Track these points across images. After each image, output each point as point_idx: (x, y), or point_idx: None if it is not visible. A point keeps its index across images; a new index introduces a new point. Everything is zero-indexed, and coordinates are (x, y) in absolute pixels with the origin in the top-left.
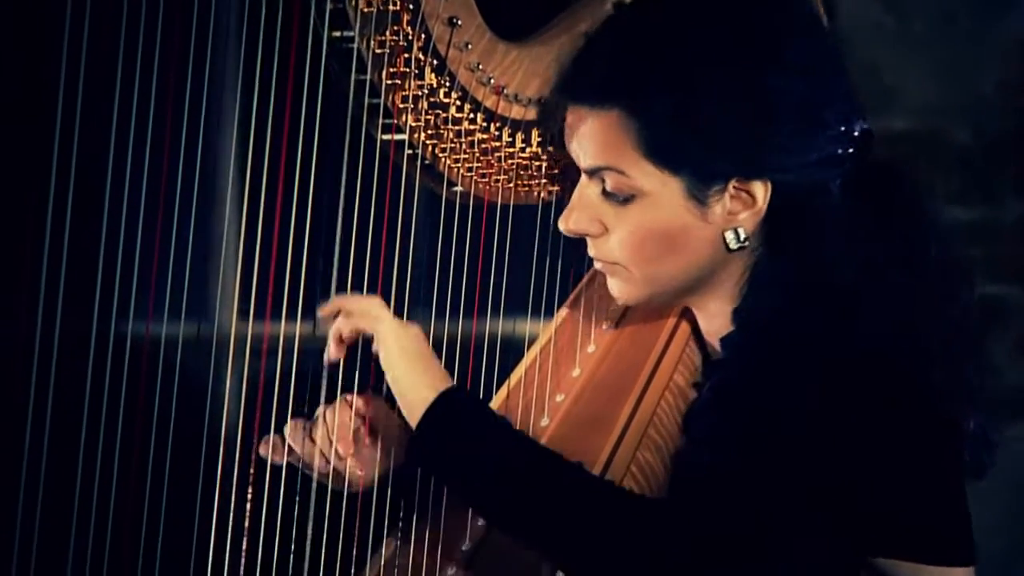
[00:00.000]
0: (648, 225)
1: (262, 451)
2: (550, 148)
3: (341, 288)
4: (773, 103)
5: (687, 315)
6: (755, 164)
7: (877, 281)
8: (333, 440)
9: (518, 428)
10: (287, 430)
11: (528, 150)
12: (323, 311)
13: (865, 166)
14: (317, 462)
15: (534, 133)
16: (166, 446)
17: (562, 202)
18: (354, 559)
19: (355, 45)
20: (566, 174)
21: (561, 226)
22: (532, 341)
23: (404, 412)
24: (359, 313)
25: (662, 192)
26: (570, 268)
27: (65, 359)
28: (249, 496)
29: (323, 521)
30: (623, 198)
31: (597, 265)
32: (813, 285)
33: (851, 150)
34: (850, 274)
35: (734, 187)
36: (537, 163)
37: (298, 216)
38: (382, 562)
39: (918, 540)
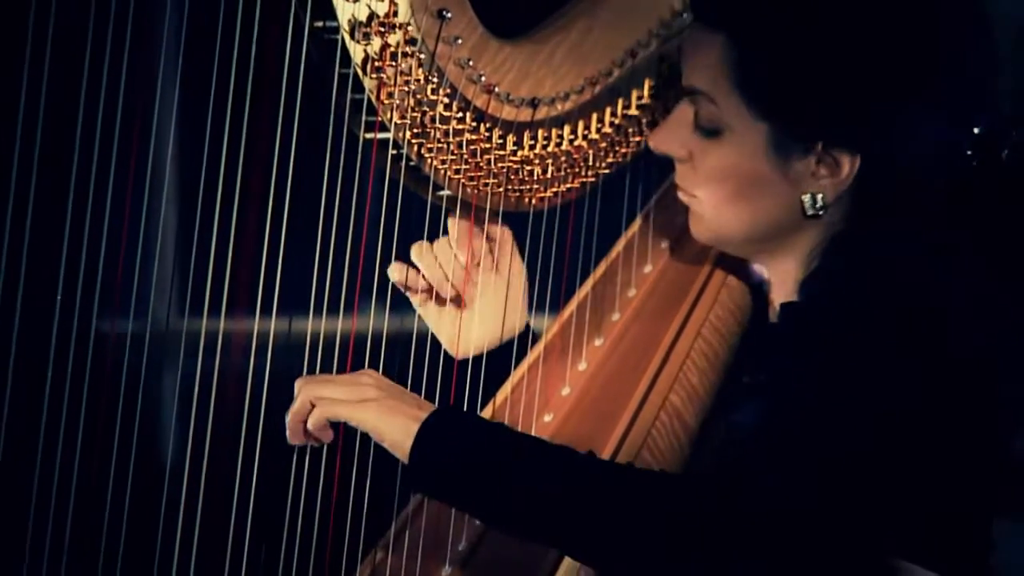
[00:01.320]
0: (727, 165)
1: (393, 275)
2: (587, 139)
3: (319, 293)
4: (887, 78)
5: (692, 319)
6: (847, 134)
7: (965, 289)
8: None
9: (520, 424)
10: (414, 253)
11: (520, 153)
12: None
13: (989, 169)
14: (443, 287)
15: (526, 135)
16: (109, 447)
17: (554, 210)
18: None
19: (339, 36)
20: (562, 178)
21: (650, 143)
22: (521, 353)
23: (400, 457)
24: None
25: (746, 134)
26: (562, 279)
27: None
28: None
29: (290, 533)
30: (710, 130)
31: (679, 194)
32: (890, 276)
33: (968, 150)
34: (933, 275)
35: (820, 151)
36: (529, 167)
37: (274, 217)
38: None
39: (933, 547)
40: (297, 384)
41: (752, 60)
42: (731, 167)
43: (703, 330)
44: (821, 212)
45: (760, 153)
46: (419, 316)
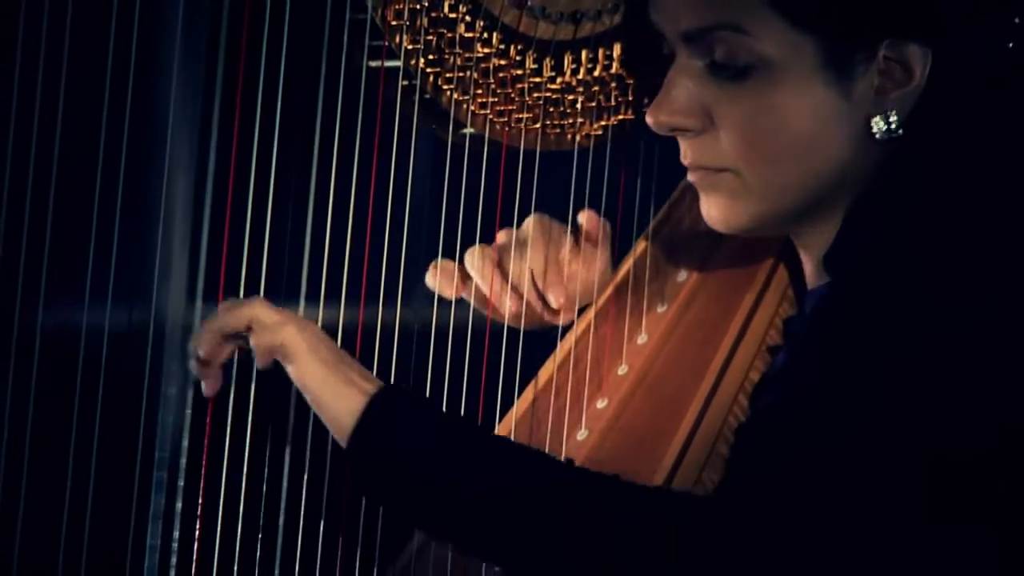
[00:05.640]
0: (771, 109)
1: (428, 280)
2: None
3: (315, 264)
4: None
5: (773, 282)
6: (916, 21)
7: None
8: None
9: (548, 438)
10: (468, 258)
11: (560, 80)
12: (202, 340)
13: None
14: (508, 301)
15: (566, 58)
16: (100, 453)
17: (603, 148)
18: None
19: None
20: (613, 109)
21: (650, 120)
22: (565, 329)
23: (334, 432)
24: (257, 327)
25: (791, 61)
26: (615, 231)
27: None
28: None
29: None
30: (738, 71)
31: (692, 178)
32: (966, 215)
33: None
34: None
35: (885, 56)
36: (571, 97)
37: (259, 170)
38: None
39: None
40: (229, 301)
41: None
42: (777, 110)
43: (789, 291)
44: (899, 132)
45: (814, 80)
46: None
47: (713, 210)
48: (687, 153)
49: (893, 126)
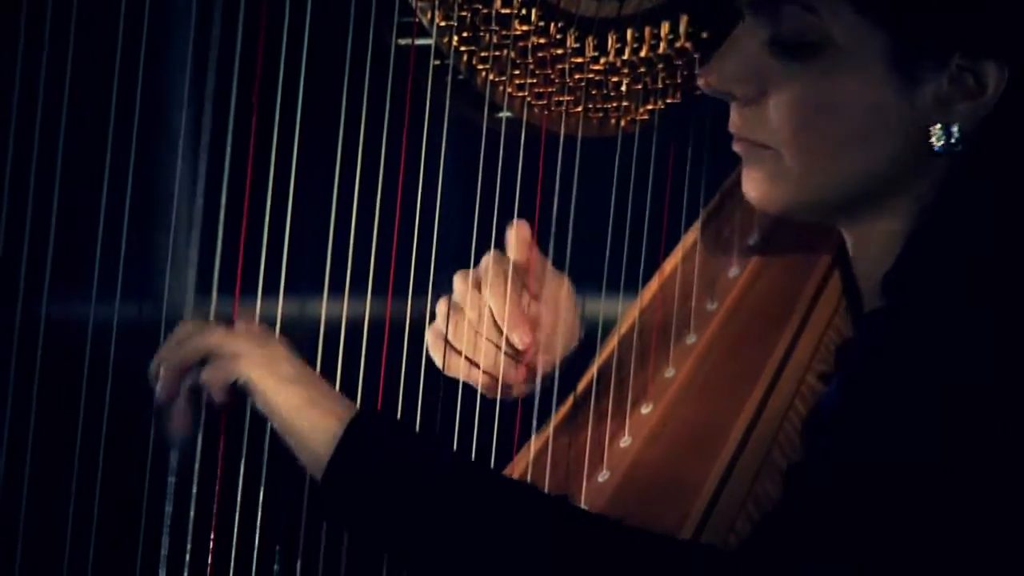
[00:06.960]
0: (827, 93)
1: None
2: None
3: (339, 256)
4: None
5: (830, 282)
6: (997, 39)
7: None
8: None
9: (588, 448)
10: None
11: (603, 60)
12: (159, 381)
13: None
14: (483, 361)
15: (610, 37)
16: (107, 457)
17: (650, 134)
18: None
19: None
20: (661, 92)
21: (701, 81)
22: (608, 328)
23: (306, 461)
24: (211, 360)
25: (856, 50)
26: (661, 223)
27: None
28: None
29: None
30: (801, 47)
31: (736, 147)
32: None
33: None
34: None
35: (958, 64)
36: (616, 78)
37: (279, 156)
38: None
39: None
40: (181, 329)
41: None
42: (833, 96)
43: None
44: (958, 147)
45: (877, 75)
46: None
47: (751, 186)
48: (735, 121)
49: (954, 139)
